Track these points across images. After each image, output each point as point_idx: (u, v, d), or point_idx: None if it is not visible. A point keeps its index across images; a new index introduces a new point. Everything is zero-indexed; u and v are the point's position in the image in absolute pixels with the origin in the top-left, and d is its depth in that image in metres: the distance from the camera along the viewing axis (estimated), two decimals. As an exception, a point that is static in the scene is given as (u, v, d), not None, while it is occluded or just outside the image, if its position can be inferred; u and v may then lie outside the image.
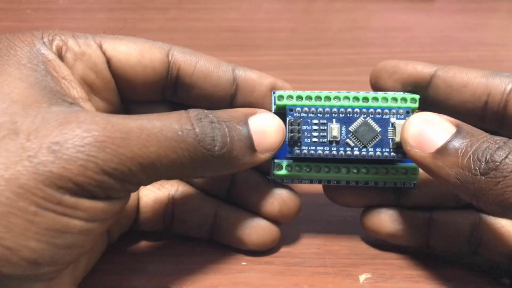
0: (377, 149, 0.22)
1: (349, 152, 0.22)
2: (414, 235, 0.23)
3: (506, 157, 0.17)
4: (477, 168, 0.18)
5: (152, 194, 0.24)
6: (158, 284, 0.22)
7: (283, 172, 0.23)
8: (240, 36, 0.45)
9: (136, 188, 0.18)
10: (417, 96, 0.22)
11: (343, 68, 0.41)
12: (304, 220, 0.26)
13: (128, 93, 0.22)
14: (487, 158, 0.18)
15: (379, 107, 0.22)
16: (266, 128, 0.21)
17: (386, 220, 0.23)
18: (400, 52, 0.43)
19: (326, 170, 0.22)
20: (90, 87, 0.21)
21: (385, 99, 0.22)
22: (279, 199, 0.23)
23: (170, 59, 0.22)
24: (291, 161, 0.23)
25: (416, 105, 0.22)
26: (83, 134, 0.16)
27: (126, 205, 0.21)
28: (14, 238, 0.15)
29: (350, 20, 0.49)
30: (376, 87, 0.24)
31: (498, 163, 0.17)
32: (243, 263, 0.23)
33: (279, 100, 0.22)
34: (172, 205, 0.24)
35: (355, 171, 0.22)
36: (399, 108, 0.22)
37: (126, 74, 0.21)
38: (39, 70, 0.18)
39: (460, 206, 0.24)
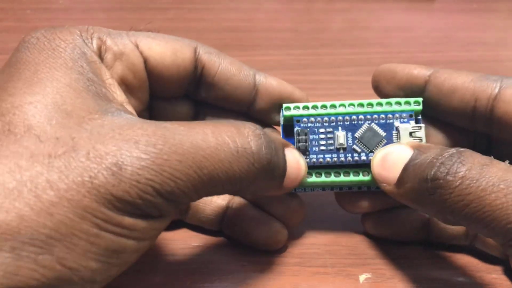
0: None
1: (356, 158, 0.22)
2: (415, 232, 0.24)
3: (447, 171, 0.18)
4: (424, 190, 0.18)
5: None
6: (157, 284, 0.22)
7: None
8: (240, 36, 0.45)
9: (187, 205, 0.19)
10: (420, 99, 0.22)
11: (343, 68, 0.41)
12: (304, 220, 0.26)
13: (158, 91, 0.22)
14: (431, 176, 0.18)
15: (383, 112, 0.22)
16: (297, 163, 0.21)
17: (386, 222, 0.24)
18: (400, 52, 0.43)
19: (336, 175, 0.23)
20: (127, 87, 0.21)
21: (389, 103, 0.22)
22: (288, 204, 0.24)
23: (196, 56, 0.22)
24: None
25: (420, 107, 0.22)
26: (141, 155, 0.16)
27: None
28: (76, 258, 0.15)
29: (350, 20, 0.49)
30: (378, 92, 0.24)
31: (441, 181, 0.18)
32: (243, 263, 0.23)
33: (286, 111, 0.23)
34: None
35: (365, 174, 0.23)
36: (403, 112, 0.22)
37: (161, 73, 0.22)
38: (85, 73, 0.18)
39: None
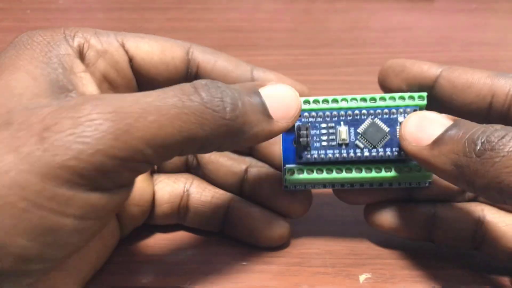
0: (387, 149, 0.22)
1: (359, 154, 0.22)
2: (417, 229, 0.24)
3: (503, 137, 0.17)
4: (471, 151, 0.18)
5: (168, 187, 0.24)
6: (157, 284, 0.22)
7: (295, 176, 0.22)
8: (240, 36, 0.45)
9: (144, 168, 0.17)
10: (424, 94, 0.22)
11: (343, 68, 0.41)
12: (304, 220, 0.26)
13: (148, 89, 0.22)
14: (483, 140, 0.17)
15: (386, 107, 0.22)
16: (279, 95, 0.20)
17: (389, 215, 0.24)
18: (400, 52, 0.43)
19: (338, 172, 0.22)
20: (110, 84, 0.21)
21: (393, 98, 0.22)
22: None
23: (190, 56, 0.22)
24: (302, 166, 0.23)
25: (424, 102, 0.22)
26: (75, 114, 0.15)
27: (138, 199, 0.21)
28: (2, 233, 0.14)
29: (350, 20, 0.49)
30: (383, 85, 0.24)
31: (494, 143, 0.17)
32: (243, 263, 0.23)
33: None
34: (187, 198, 0.24)
35: (367, 171, 0.22)
36: (407, 106, 0.22)
37: (148, 72, 0.22)
38: (51, 63, 0.18)
39: (466, 200, 0.24)
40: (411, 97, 0.22)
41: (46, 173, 0.15)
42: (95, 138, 0.15)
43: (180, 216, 0.25)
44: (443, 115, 0.20)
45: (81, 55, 0.20)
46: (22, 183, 0.14)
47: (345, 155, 0.22)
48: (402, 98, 0.22)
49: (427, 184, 0.23)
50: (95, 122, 0.15)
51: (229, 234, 0.24)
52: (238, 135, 0.18)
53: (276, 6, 0.52)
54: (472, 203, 0.24)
